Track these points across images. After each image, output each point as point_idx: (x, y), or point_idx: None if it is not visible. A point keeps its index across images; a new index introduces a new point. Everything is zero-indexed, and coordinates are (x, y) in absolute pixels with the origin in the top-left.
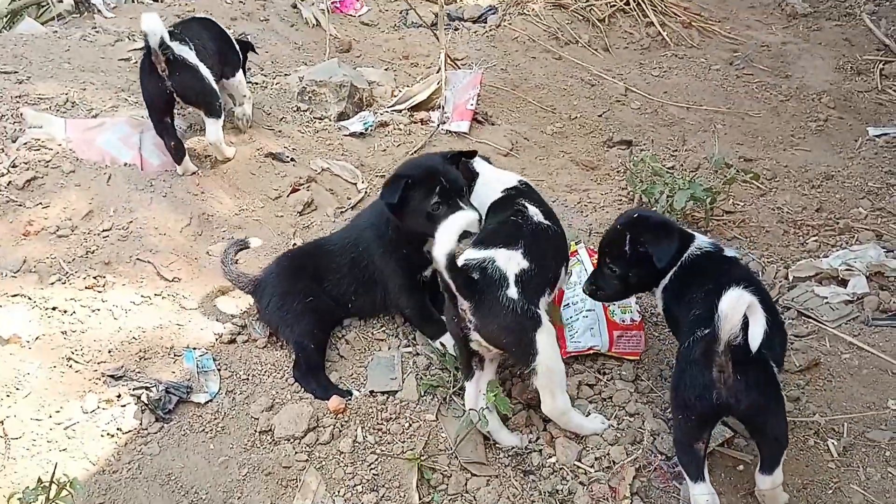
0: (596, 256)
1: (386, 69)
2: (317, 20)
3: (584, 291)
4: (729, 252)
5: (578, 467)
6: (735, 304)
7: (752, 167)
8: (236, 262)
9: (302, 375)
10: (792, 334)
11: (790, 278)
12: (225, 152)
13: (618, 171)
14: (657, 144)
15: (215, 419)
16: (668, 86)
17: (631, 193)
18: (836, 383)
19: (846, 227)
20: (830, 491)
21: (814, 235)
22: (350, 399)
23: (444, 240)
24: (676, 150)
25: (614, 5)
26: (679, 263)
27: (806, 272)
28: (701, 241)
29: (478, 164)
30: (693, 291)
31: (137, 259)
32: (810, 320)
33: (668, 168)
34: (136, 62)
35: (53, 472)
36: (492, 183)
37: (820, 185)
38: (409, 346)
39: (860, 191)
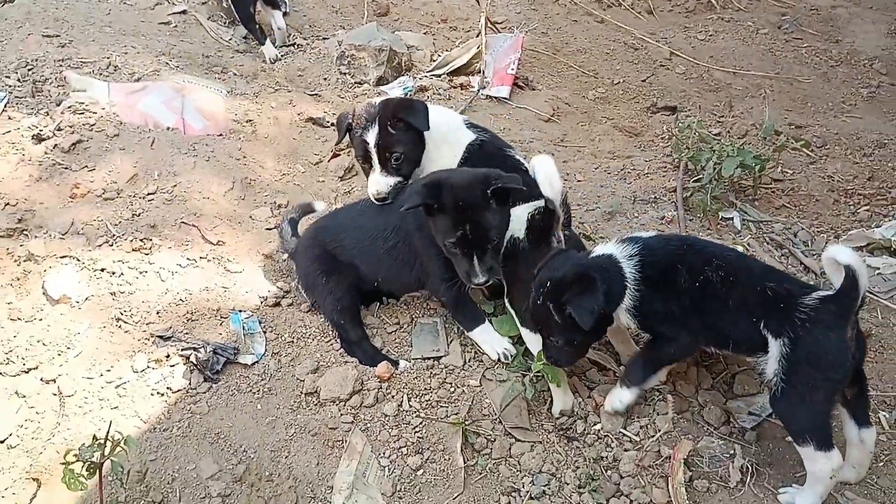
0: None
1: (425, 33)
2: None
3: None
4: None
5: (624, 435)
6: (856, 259)
7: (802, 134)
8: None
9: (347, 346)
10: None
11: None
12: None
13: (662, 138)
14: (703, 110)
15: (262, 380)
16: (714, 50)
17: (676, 160)
18: (888, 355)
19: None
20: (881, 463)
21: (865, 205)
22: (397, 369)
23: (555, 177)
24: (723, 117)
25: None
26: (636, 279)
27: (857, 242)
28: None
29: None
30: (677, 287)
31: (182, 222)
32: None
33: (715, 135)
34: (175, 26)
35: (108, 430)
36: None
37: (872, 154)
38: None
39: None
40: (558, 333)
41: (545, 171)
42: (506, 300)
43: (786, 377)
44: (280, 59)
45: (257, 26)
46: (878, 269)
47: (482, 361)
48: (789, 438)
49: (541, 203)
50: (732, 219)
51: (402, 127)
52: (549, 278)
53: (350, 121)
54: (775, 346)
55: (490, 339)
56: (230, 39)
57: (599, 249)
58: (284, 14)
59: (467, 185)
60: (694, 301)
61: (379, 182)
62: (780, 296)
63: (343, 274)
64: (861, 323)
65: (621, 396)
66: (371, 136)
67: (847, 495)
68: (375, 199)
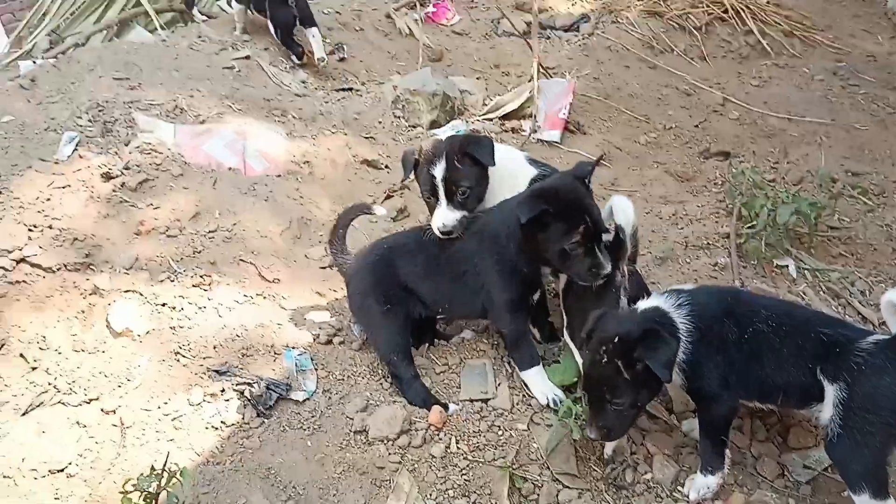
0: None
1: (478, 78)
2: (410, 30)
3: (591, 438)
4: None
5: (675, 486)
6: None
7: (859, 182)
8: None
9: (398, 383)
10: None
11: None
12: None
13: (715, 184)
14: (757, 156)
15: (312, 417)
16: (767, 96)
17: (729, 206)
18: None
19: None
20: None
21: None
22: (450, 413)
23: (631, 213)
24: (777, 163)
25: (712, 13)
26: (689, 331)
27: None
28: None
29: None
30: (727, 339)
31: (241, 260)
32: None
33: (769, 181)
34: (239, 70)
35: (165, 461)
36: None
37: None
38: (501, 353)
39: None
40: (624, 395)
41: (622, 205)
42: (565, 332)
43: (842, 422)
44: (326, 60)
45: (298, 47)
46: None
47: (530, 405)
48: (846, 493)
49: (608, 236)
50: (787, 266)
51: (469, 162)
52: (613, 335)
53: (417, 156)
54: (831, 392)
55: (542, 382)
56: (290, 84)
57: (644, 304)
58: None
59: (571, 184)
60: (744, 353)
61: (446, 216)
62: (837, 341)
63: (401, 306)
64: None
65: (708, 483)
66: (438, 171)
67: None
68: (440, 233)
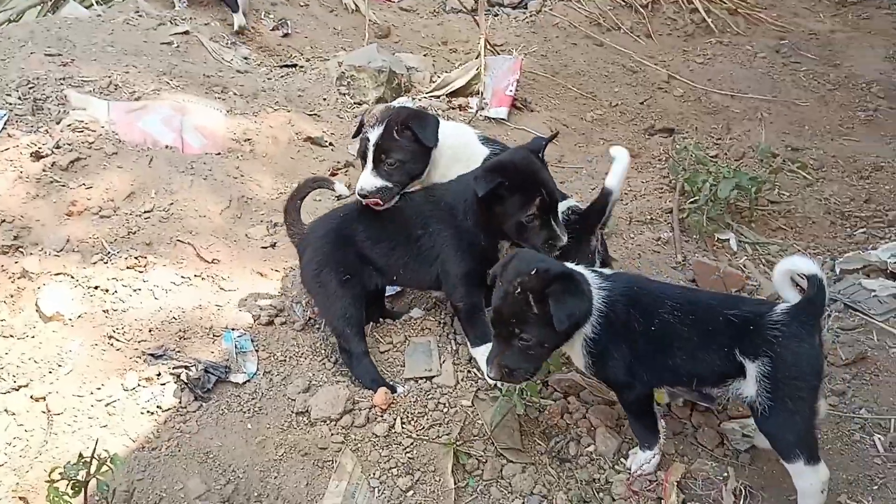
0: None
1: (425, 55)
2: (356, 6)
3: (490, 378)
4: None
5: (617, 457)
6: (818, 268)
7: (799, 157)
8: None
9: (347, 358)
10: (838, 327)
11: (837, 270)
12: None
13: (659, 160)
14: (700, 133)
15: (253, 399)
16: (712, 73)
17: (673, 182)
18: (883, 378)
19: (895, 219)
20: (876, 487)
21: (862, 227)
22: (396, 394)
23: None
24: (720, 139)
25: None
26: (600, 312)
27: (853, 264)
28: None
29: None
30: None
31: (178, 240)
32: (857, 313)
33: (712, 157)
34: (177, 46)
35: (94, 448)
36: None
37: (869, 176)
38: (446, 330)
39: None
40: (532, 330)
41: (622, 163)
42: None
43: (771, 394)
44: (246, 29)
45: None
46: (875, 291)
47: (475, 381)
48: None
49: (573, 202)
50: (728, 240)
51: (408, 136)
52: (533, 268)
53: (360, 121)
54: (753, 368)
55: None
56: (232, 60)
57: (570, 265)
58: None
59: (526, 158)
60: (653, 344)
61: (366, 180)
62: (747, 318)
63: (356, 277)
64: (857, 346)
65: (647, 457)
66: (374, 135)
67: None
68: (359, 196)
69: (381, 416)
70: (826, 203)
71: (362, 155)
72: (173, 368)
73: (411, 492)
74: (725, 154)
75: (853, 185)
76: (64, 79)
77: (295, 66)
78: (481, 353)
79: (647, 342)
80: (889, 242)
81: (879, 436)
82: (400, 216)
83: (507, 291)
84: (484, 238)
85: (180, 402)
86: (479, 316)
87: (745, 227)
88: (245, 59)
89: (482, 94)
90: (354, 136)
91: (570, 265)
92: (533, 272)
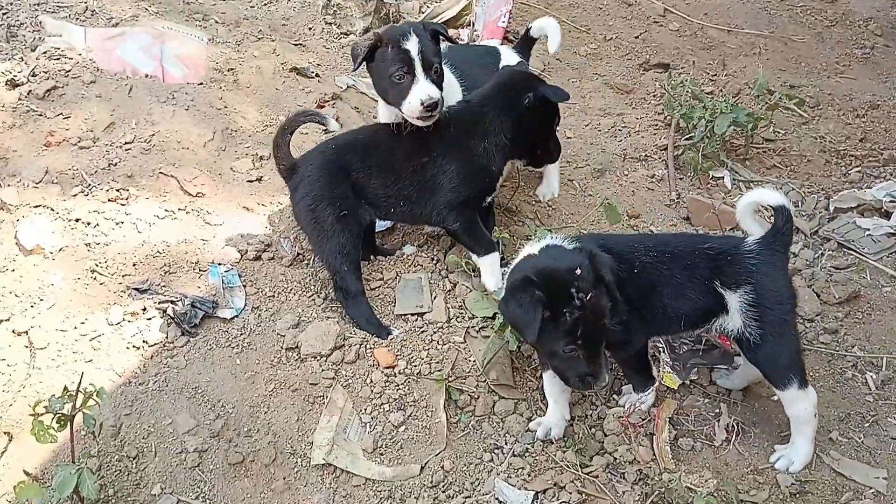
0: None
1: None
2: None
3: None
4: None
5: (612, 397)
6: (784, 198)
7: (796, 94)
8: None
9: (343, 297)
10: (831, 266)
11: (831, 209)
12: None
13: (654, 96)
14: (696, 68)
15: (241, 335)
16: (708, 7)
17: (668, 118)
18: (875, 316)
19: (891, 158)
20: (868, 424)
21: (857, 166)
22: (391, 338)
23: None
24: (716, 75)
25: None
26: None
27: (848, 203)
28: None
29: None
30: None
31: (160, 173)
32: (851, 252)
33: (708, 93)
34: None
35: (80, 381)
36: None
37: (865, 115)
38: (439, 266)
39: None
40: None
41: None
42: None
43: (759, 322)
44: None
45: None
46: (868, 230)
47: (466, 318)
48: (775, 397)
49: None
50: (723, 178)
51: (438, 40)
52: (581, 265)
53: (375, 41)
54: (735, 299)
55: (497, 271)
56: None
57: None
58: None
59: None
60: (642, 288)
61: (428, 88)
62: (723, 251)
63: (353, 212)
64: (850, 284)
65: (641, 398)
66: (412, 45)
67: (832, 454)
68: (425, 106)
69: (372, 352)
70: (821, 141)
71: (406, 68)
72: (159, 303)
73: (403, 427)
74: (721, 90)
75: (849, 124)
76: (38, 4)
77: None
78: (490, 262)
79: (634, 289)
80: (883, 181)
81: (871, 374)
82: (401, 144)
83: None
84: (497, 160)
85: (167, 337)
86: (479, 227)
87: (739, 164)
88: None
89: (473, 25)
90: (356, 69)
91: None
92: (587, 269)
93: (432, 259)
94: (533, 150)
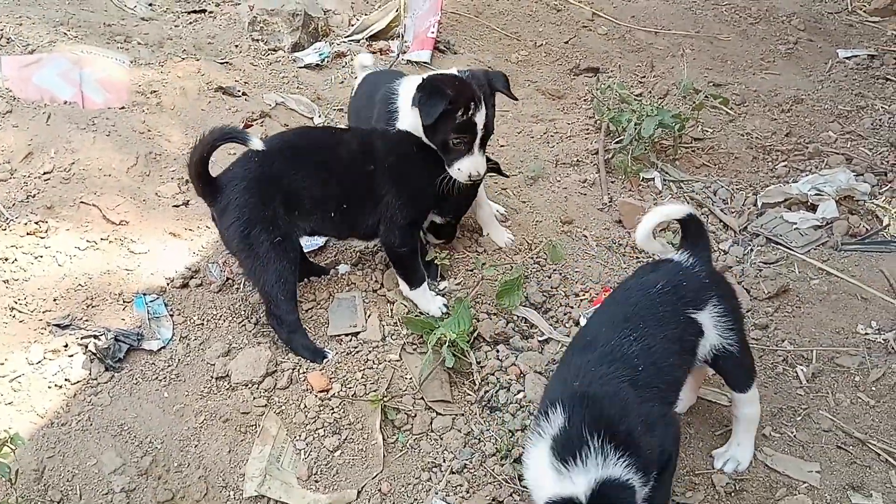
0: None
1: None
2: None
3: None
4: None
5: None
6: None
7: (722, 92)
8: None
9: (278, 329)
10: (761, 261)
11: (759, 205)
12: None
13: (585, 100)
14: (625, 71)
15: (169, 366)
16: (635, 10)
17: (598, 122)
18: (805, 309)
19: (816, 151)
20: (800, 417)
21: (783, 161)
22: (327, 361)
23: None
24: (644, 77)
25: None
26: None
27: (775, 198)
28: None
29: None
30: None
31: (81, 202)
32: (779, 246)
33: (636, 95)
34: None
35: None
36: None
37: (789, 110)
38: (373, 285)
39: (830, 114)
40: None
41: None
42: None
43: (733, 328)
44: None
45: None
46: (795, 223)
47: (402, 334)
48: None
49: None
50: (654, 179)
51: (494, 100)
52: None
53: (447, 103)
54: (707, 316)
55: (431, 297)
56: (134, 7)
57: None
58: None
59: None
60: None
61: (479, 163)
62: (678, 281)
63: (289, 237)
64: (779, 279)
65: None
66: (481, 118)
67: (766, 451)
68: (472, 181)
69: (305, 376)
70: (748, 138)
71: (468, 140)
72: (81, 339)
73: (339, 451)
74: (650, 92)
75: (774, 119)
76: None
77: (203, 11)
78: (420, 293)
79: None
80: (810, 175)
81: (802, 367)
82: (342, 150)
83: None
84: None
85: (90, 374)
86: (416, 258)
87: (669, 165)
88: (150, 5)
89: (403, 36)
90: (430, 121)
91: None
92: None
93: (366, 277)
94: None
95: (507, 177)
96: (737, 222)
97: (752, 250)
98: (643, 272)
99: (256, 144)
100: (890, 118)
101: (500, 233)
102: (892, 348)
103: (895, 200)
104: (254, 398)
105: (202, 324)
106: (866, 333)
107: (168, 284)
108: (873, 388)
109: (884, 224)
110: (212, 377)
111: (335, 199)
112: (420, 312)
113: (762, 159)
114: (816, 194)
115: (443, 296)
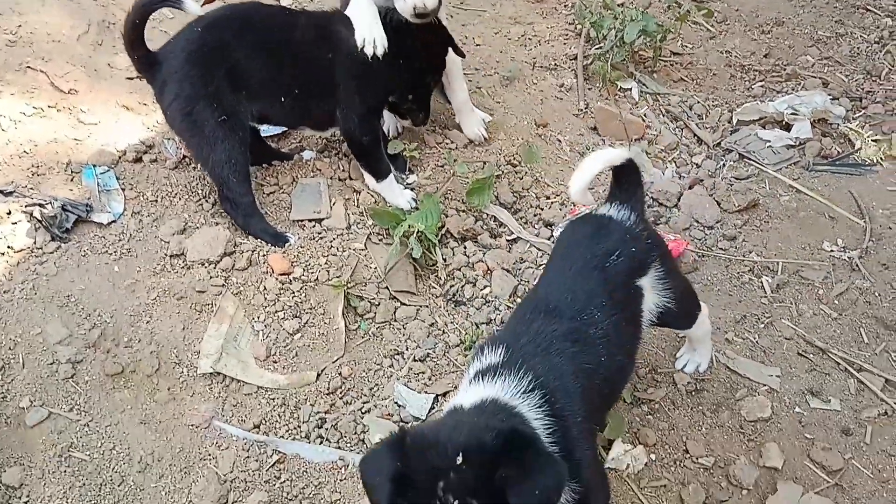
0: None
1: None
2: None
3: None
4: None
5: (515, 301)
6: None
7: (705, 5)
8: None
9: (232, 213)
10: (732, 176)
11: (734, 122)
12: None
13: (565, 6)
14: None
15: (120, 241)
16: None
17: (578, 27)
18: (773, 224)
19: (793, 73)
20: (763, 325)
21: (760, 81)
22: (289, 245)
23: None
24: None
25: None
26: None
27: (750, 116)
28: None
29: None
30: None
31: (28, 67)
32: (752, 163)
33: (619, 3)
34: None
35: None
36: None
37: (770, 31)
38: (339, 173)
39: (809, 39)
40: None
41: None
42: None
43: (670, 283)
44: None
45: None
46: (769, 141)
47: (367, 225)
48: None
49: None
50: (631, 89)
51: None
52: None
53: None
54: (648, 280)
55: (396, 189)
56: None
57: None
58: None
59: None
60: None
61: None
62: (626, 248)
63: (236, 113)
64: (749, 193)
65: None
66: None
67: (728, 354)
68: (418, 15)
69: (265, 258)
70: (727, 56)
71: None
72: (25, 206)
73: (299, 334)
74: (632, 1)
75: (754, 40)
76: None
77: None
78: (387, 186)
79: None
80: (786, 96)
81: (767, 278)
82: (297, 33)
83: None
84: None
85: (35, 243)
86: (379, 148)
87: (647, 77)
88: None
89: None
90: None
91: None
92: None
93: (332, 165)
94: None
95: (464, 56)
96: (711, 137)
97: (724, 165)
98: (595, 235)
99: (192, 8)
100: (868, 47)
101: (472, 124)
102: (857, 266)
103: (868, 126)
104: (210, 277)
105: (156, 200)
106: (831, 251)
107: (120, 158)
108: (836, 302)
109: (856, 147)
110: (166, 254)
111: (287, 85)
112: (389, 205)
113: (739, 78)
114: (792, 114)
115: (412, 190)
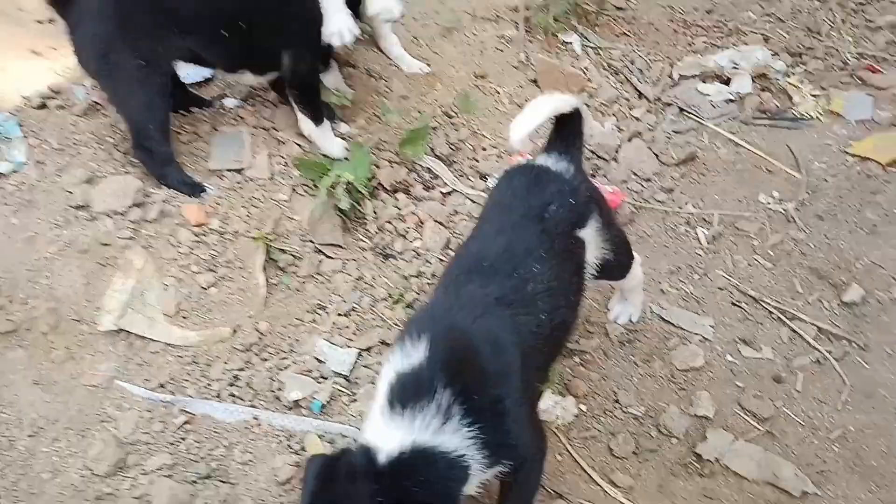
0: None
1: None
2: None
3: None
4: None
5: (447, 255)
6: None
7: None
8: None
9: (148, 162)
10: (672, 130)
11: (675, 76)
12: None
13: None
14: None
15: (19, 191)
16: None
17: None
18: (710, 177)
19: (735, 29)
20: (697, 276)
21: (702, 36)
22: (205, 195)
23: None
24: None
25: None
26: None
27: (691, 70)
28: None
29: None
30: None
31: None
32: (691, 117)
33: None
34: None
35: None
36: None
37: None
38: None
39: None
40: None
41: None
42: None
43: (609, 241)
44: None
45: None
46: (709, 95)
47: (292, 176)
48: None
49: None
50: (572, 43)
51: None
52: None
53: None
54: (590, 231)
55: (331, 137)
56: None
57: None
58: None
59: None
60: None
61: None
62: (563, 201)
63: (159, 55)
64: (687, 147)
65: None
66: None
67: (661, 304)
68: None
69: (186, 222)
70: (670, 11)
71: None
72: None
73: (214, 289)
74: None
75: None
76: None
77: None
78: (323, 131)
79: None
80: (727, 50)
81: (703, 230)
82: None
83: None
84: None
85: None
86: (319, 94)
87: (589, 30)
88: None
89: None
90: None
91: None
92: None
93: (256, 114)
94: None
95: None
96: (652, 91)
97: (664, 119)
98: (533, 186)
99: None
100: (809, 4)
101: (411, 64)
102: (792, 217)
103: (808, 81)
104: (118, 229)
105: (62, 149)
106: (768, 203)
107: (24, 104)
108: (770, 252)
109: (794, 102)
110: (69, 205)
111: (230, 17)
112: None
113: (682, 33)
114: (733, 68)
115: (343, 139)
